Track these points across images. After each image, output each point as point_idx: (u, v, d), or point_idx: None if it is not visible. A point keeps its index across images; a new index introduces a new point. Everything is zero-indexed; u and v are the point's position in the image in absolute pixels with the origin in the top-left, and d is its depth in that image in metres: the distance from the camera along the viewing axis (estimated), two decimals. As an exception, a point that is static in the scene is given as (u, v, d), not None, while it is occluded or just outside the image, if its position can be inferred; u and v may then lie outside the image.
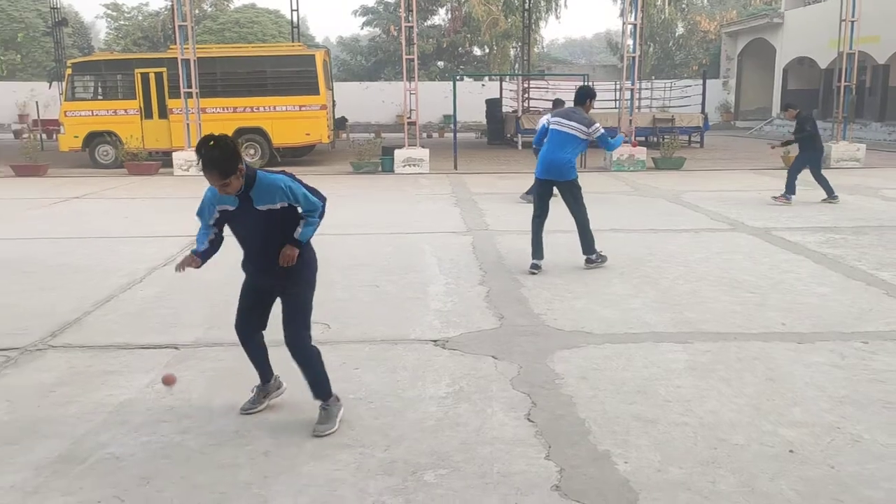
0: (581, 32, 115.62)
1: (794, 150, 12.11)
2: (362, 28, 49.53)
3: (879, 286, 6.56)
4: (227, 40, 37.74)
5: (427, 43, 41.66)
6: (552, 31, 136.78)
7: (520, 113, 24.78)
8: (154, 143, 17.88)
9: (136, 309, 6.08)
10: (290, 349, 3.85)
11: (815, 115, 11.98)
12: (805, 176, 11.46)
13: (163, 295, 6.44)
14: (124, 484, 3.31)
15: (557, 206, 7.39)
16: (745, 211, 10.79)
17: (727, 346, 5.04)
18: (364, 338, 5.32)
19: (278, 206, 3.64)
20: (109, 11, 47.75)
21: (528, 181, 12.57)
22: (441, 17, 46.01)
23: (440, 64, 45.93)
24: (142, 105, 17.95)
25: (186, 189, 13.59)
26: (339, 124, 23.86)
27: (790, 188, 11.36)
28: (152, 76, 17.86)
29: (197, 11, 35.21)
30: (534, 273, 7.07)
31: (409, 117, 17.13)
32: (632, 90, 17.13)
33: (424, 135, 24.04)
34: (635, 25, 17.28)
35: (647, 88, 29.22)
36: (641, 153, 17.00)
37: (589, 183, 12.91)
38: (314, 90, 17.99)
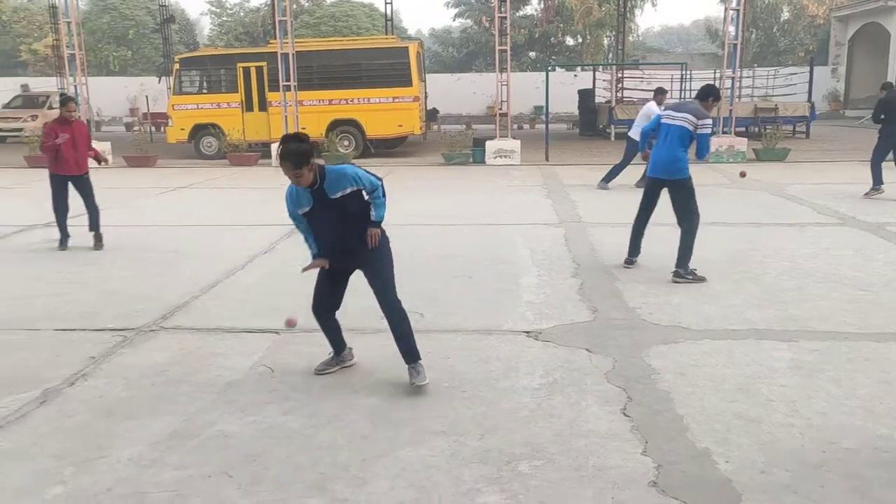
0: (678, 20, 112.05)
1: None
2: (454, 19, 49.71)
3: None
4: (322, 34, 38.61)
5: (519, 33, 41.36)
6: (648, 19, 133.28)
7: (613, 103, 24.30)
8: (254, 135, 18.52)
9: (239, 294, 6.34)
10: (391, 314, 4.26)
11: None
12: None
13: (263, 281, 6.69)
14: (232, 461, 3.47)
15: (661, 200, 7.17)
16: (856, 205, 10.25)
17: (836, 346, 4.81)
18: (457, 327, 5.36)
19: (349, 191, 4.06)
20: (213, 8, 49.66)
21: (623, 172, 12.34)
22: (533, 6, 45.56)
23: (532, 54, 45.56)
24: (243, 98, 18.60)
25: (284, 179, 13.96)
26: (431, 116, 24.05)
27: (877, 179, 10.83)
28: (253, 70, 18.47)
29: (295, 6, 36.15)
30: (628, 267, 6.96)
31: (501, 108, 17.08)
32: (732, 78, 16.51)
33: (515, 126, 23.90)
34: (737, 11, 16.61)
35: (748, 77, 28.06)
36: (742, 144, 16.38)
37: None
38: (407, 82, 18.17)
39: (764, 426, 3.72)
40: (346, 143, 18.28)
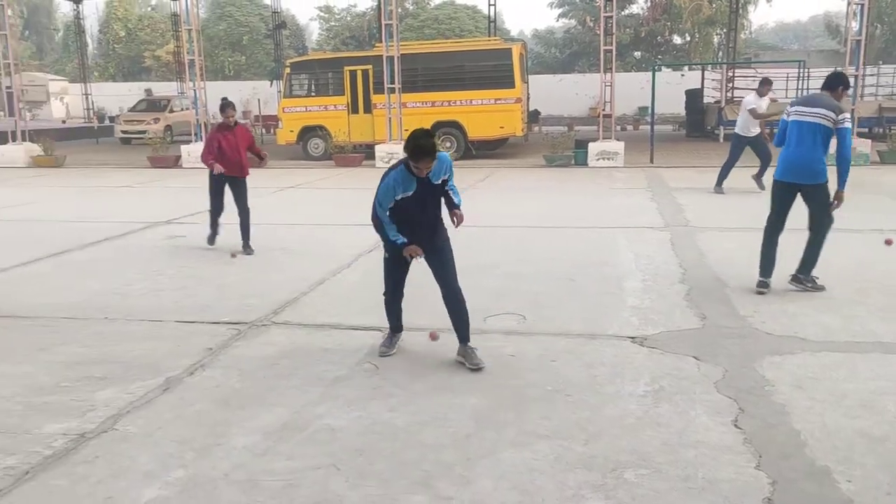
0: (794, 16, 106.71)
1: None
2: (557, 20, 49.37)
3: None
4: (426, 37, 39.15)
5: (624, 33, 40.58)
6: (761, 16, 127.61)
7: (723, 103, 23.43)
8: (359, 137, 18.96)
9: (345, 292, 6.52)
10: (457, 295, 4.65)
11: None
12: None
13: (367, 279, 6.83)
14: (339, 454, 3.56)
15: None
16: None
17: (973, 364, 4.47)
18: (560, 331, 5.31)
19: (444, 177, 4.50)
20: (322, 13, 51.30)
21: (733, 175, 11.88)
22: (639, 5, 44.64)
23: (637, 54, 44.63)
24: (349, 100, 19.09)
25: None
26: (533, 117, 23.92)
27: None
28: (359, 73, 18.91)
29: (399, 10, 36.90)
30: (761, 293, 6.05)
31: (604, 109, 16.80)
32: (855, 76, 15.60)
33: (618, 127, 23.43)
34: (861, 5, 15.68)
35: (872, 74, 26.49)
36: (865, 146, 15.46)
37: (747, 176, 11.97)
38: (510, 83, 18.14)
39: (890, 445, 3.49)
40: (447, 144, 18.40)
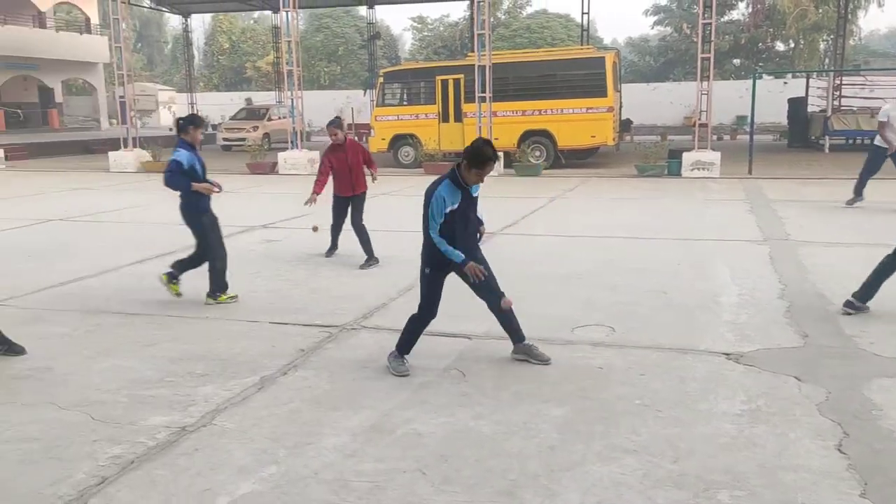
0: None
1: None
2: (652, 27, 48.41)
3: None
4: (518, 46, 39.14)
5: (723, 40, 39.38)
6: (872, 21, 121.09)
7: (829, 113, 22.38)
8: (448, 145, 19.12)
9: (434, 298, 6.57)
10: (500, 304, 4.75)
11: None
12: None
13: (452, 286, 6.86)
14: (425, 459, 3.60)
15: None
16: None
17: None
18: (651, 344, 5.19)
19: (479, 189, 4.69)
20: (415, 24, 52.12)
21: (839, 187, 11.33)
22: (740, 11, 43.19)
23: (736, 62, 43.25)
24: (440, 109, 19.29)
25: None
26: (625, 126, 23.51)
27: None
28: (451, 82, 19.08)
29: (492, 20, 37.04)
30: (848, 313, 5.76)
31: (700, 119, 16.34)
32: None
33: (715, 137, 22.74)
34: None
35: None
36: None
37: (877, 189, 11.27)
38: (602, 92, 17.90)
39: None
40: (537, 153, 18.34)
